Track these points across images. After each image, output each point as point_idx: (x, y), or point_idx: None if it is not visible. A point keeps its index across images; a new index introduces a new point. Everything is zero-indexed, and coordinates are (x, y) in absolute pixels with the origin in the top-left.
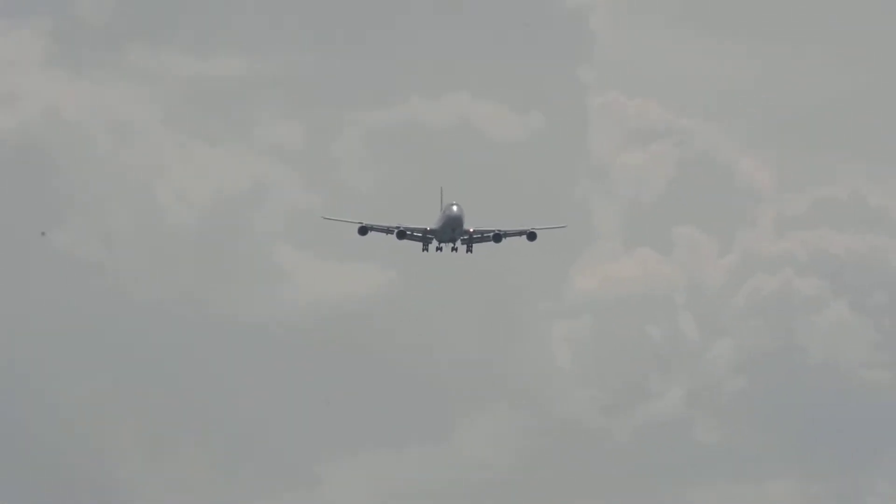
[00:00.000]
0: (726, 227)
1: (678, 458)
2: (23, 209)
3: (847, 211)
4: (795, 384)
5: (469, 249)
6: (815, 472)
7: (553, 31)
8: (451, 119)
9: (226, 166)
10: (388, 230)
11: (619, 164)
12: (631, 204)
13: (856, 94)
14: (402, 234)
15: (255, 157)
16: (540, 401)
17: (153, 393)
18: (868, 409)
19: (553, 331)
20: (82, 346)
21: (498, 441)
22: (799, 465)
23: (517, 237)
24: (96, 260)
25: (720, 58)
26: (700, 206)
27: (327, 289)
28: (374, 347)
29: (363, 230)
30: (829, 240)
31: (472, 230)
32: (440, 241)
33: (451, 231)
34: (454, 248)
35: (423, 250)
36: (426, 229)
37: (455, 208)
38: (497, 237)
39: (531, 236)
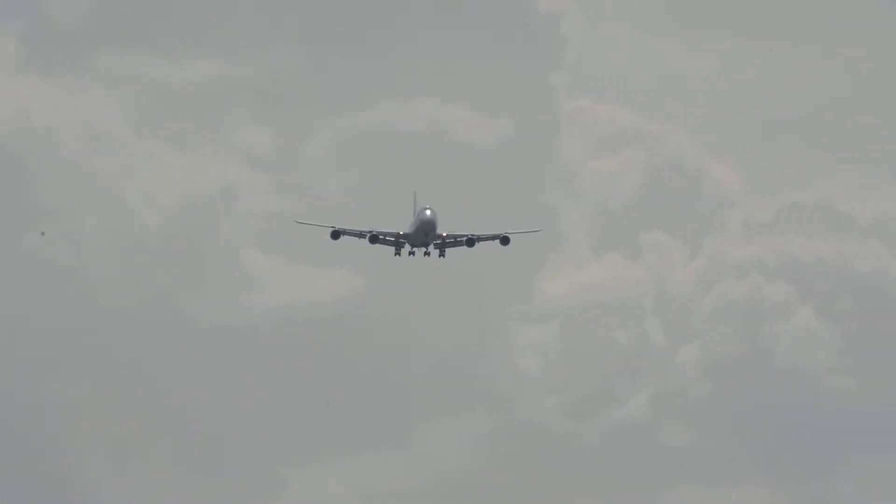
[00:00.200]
0: (695, 232)
1: (646, 462)
2: None
3: (815, 216)
4: (763, 389)
5: (442, 254)
6: (783, 477)
7: (524, 37)
8: (422, 124)
9: (197, 171)
10: (360, 234)
11: (589, 170)
12: (600, 209)
13: (824, 100)
14: (374, 239)
15: (226, 161)
16: (509, 405)
17: (121, 396)
18: (835, 414)
19: (522, 335)
20: (51, 351)
21: (466, 445)
22: (766, 470)
23: (490, 242)
24: (67, 264)
25: (689, 64)
26: (669, 211)
27: (298, 293)
28: (344, 352)
29: (336, 234)
30: (798, 245)
31: (444, 235)
32: (413, 246)
33: (423, 235)
34: (427, 253)
35: (396, 255)
36: (399, 233)
37: (428, 212)
38: (470, 242)
39: (504, 241)
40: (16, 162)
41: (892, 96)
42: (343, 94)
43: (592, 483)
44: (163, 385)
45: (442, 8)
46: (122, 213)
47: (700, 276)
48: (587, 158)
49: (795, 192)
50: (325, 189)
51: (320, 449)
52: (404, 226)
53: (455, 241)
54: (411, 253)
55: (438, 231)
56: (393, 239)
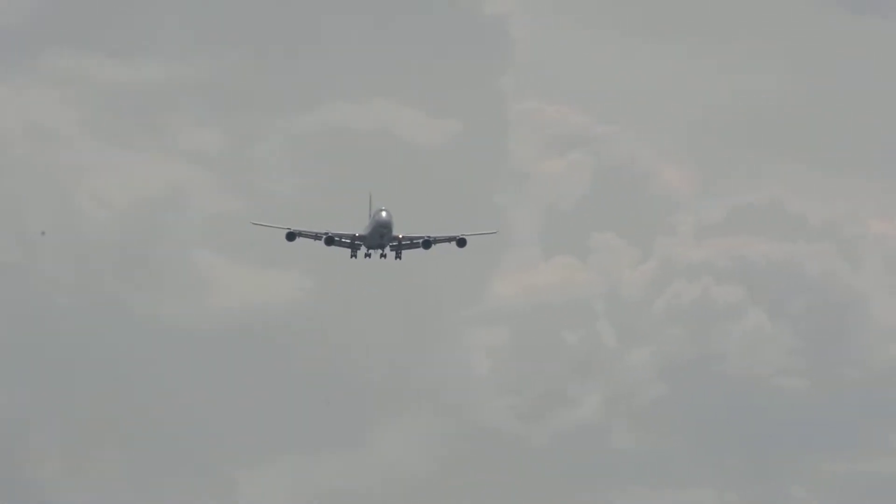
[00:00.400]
0: (645, 234)
1: (596, 464)
2: None
3: (766, 218)
4: (714, 391)
5: (398, 256)
6: (734, 479)
7: (473, 38)
8: (373, 125)
9: (147, 171)
10: (316, 236)
11: (539, 171)
12: (550, 211)
13: (775, 102)
14: (330, 241)
15: (177, 162)
16: (459, 406)
17: (68, 396)
18: (785, 416)
19: (472, 337)
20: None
21: (416, 446)
22: (718, 472)
23: (447, 243)
24: (14, 263)
25: (639, 66)
26: (619, 213)
27: (251, 295)
28: (297, 353)
29: (291, 236)
30: (748, 247)
31: (401, 236)
32: (369, 248)
33: (379, 237)
34: (383, 255)
35: (352, 257)
36: (355, 235)
37: (384, 214)
38: (426, 244)
39: (461, 243)
40: None
41: (842, 98)
42: (293, 95)
43: (542, 484)
44: (111, 385)
45: (392, 10)
46: (71, 212)
47: (651, 278)
48: (537, 160)
49: (746, 193)
50: (277, 190)
51: (271, 450)
52: (360, 227)
53: (411, 243)
54: (367, 255)
55: (394, 233)
56: (349, 241)
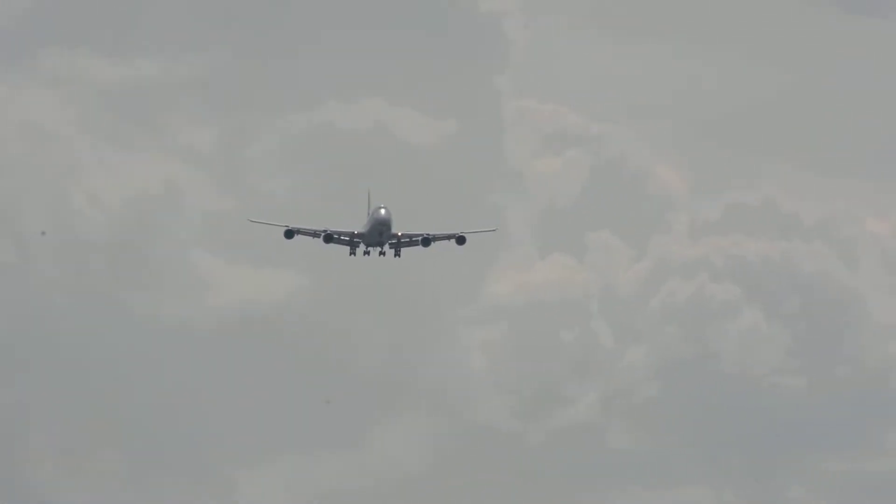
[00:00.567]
0: (641, 232)
1: (592, 463)
2: None
3: (760, 217)
4: (709, 389)
5: (397, 254)
6: (729, 478)
7: (468, 37)
8: (369, 124)
9: (143, 170)
10: (314, 234)
11: (534, 170)
12: (546, 209)
13: (768, 100)
14: (329, 238)
15: (174, 161)
16: (455, 405)
17: (65, 396)
18: (781, 415)
19: (468, 336)
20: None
21: (413, 445)
22: (712, 471)
23: (446, 241)
24: (10, 263)
25: (634, 64)
26: (614, 211)
27: (250, 293)
28: (296, 352)
29: (289, 233)
30: (743, 246)
31: (400, 234)
32: (368, 245)
33: (378, 235)
34: (382, 253)
35: (351, 254)
36: (354, 233)
37: (383, 211)
38: (426, 241)
39: (460, 240)
40: None
41: (837, 97)
42: (289, 94)
43: (538, 483)
44: (109, 385)
45: (388, 8)
46: (67, 211)
47: (646, 277)
48: (532, 159)
49: (741, 192)
50: (273, 189)
51: (270, 449)
52: (358, 225)
53: (410, 241)
54: (366, 252)
55: (393, 230)
56: (347, 238)
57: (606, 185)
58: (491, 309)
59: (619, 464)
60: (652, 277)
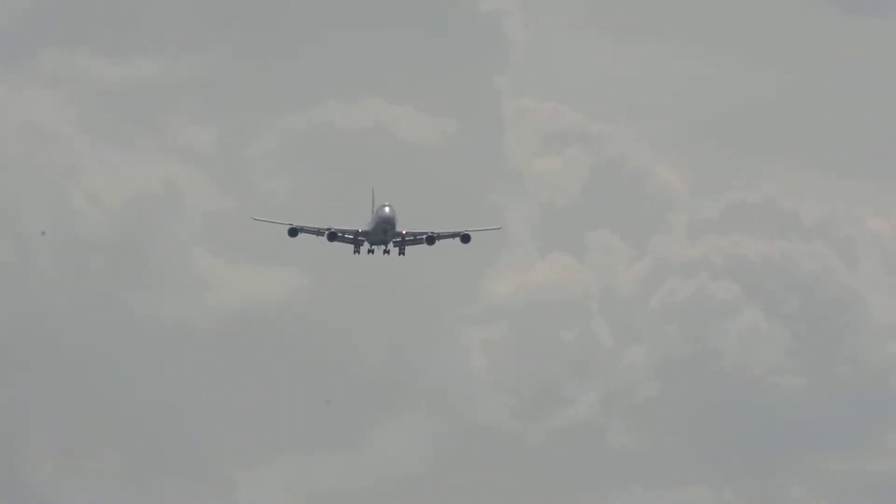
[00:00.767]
0: (641, 231)
1: (592, 462)
2: None
3: (760, 217)
4: (709, 389)
5: (401, 252)
6: (728, 477)
7: (468, 36)
8: (368, 123)
9: (143, 170)
10: (318, 232)
11: (534, 170)
12: (546, 208)
13: (768, 99)
14: (333, 236)
15: (174, 160)
16: (455, 405)
17: (66, 396)
18: (781, 415)
19: (468, 336)
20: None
21: (413, 445)
22: (712, 470)
23: (450, 239)
24: (10, 263)
25: (634, 64)
26: (614, 210)
27: (250, 293)
28: (293, 351)
29: (293, 231)
30: (743, 245)
31: (404, 232)
32: (372, 244)
33: (383, 233)
34: (386, 251)
35: (355, 252)
36: (358, 231)
37: (387, 209)
38: (430, 239)
39: (465, 238)
40: None
41: (837, 97)
42: (289, 93)
43: (538, 483)
44: (109, 384)
45: (387, 7)
46: (68, 211)
47: (646, 276)
48: (532, 158)
49: (741, 191)
50: (272, 188)
51: (269, 449)
52: (362, 223)
53: (415, 239)
54: (370, 251)
55: (398, 229)
56: (352, 237)
57: (606, 184)
58: (491, 309)
59: (619, 464)
60: (652, 277)
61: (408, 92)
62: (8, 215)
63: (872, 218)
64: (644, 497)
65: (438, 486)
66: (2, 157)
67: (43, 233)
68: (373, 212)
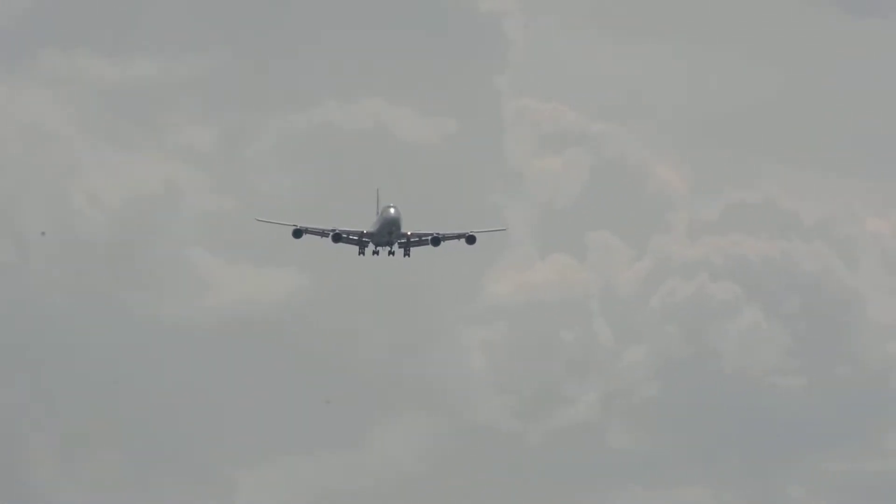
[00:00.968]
0: (640, 232)
1: (592, 462)
2: None
3: (760, 216)
4: (709, 389)
5: (406, 253)
6: (728, 477)
7: (468, 36)
8: (368, 123)
9: (142, 170)
10: (323, 233)
11: (534, 170)
12: (546, 209)
13: (768, 100)
14: (337, 238)
15: (173, 160)
16: (455, 405)
17: (65, 396)
18: (781, 415)
19: (468, 336)
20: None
21: (414, 445)
22: (712, 470)
23: (455, 241)
24: (10, 263)
25: (634, 64)
26: (614, 211)
27: (249, 293)
28: (293, 351)
29: (298, 233)
30: (743, 245)
31: (409, 233)
32: (377, 245)
33: (388, 234)
34: (391, 252)
35: (360, 254)
36: (363, 232)
37: (392, 211)
38: (435, 241)
39: (470, 240)
40: None
41: (837, 97)
42: (288, 93)
43: (538, 483)
44: (108, 384)
45: (387, 8)
46: (67, 211)
47: (646, 276)
48: (532, 158)
49: (740, 192)
50: (271, 188)
51: (269, 450)
52: (367, 224)
53: (420, 241)
54: (375, 252)
55: (403, 230)
56: (356, 238)
57: (606, 184)
58: (491, 309)
59: (619, 464)
60: (652, 277)
61: (408, 92)
62: (8, 215)
63: (872, 218)
64: (644, 497)
65: (438, 486)
66: (2, 157)
67: (43, 233)
68: (377, 213)
